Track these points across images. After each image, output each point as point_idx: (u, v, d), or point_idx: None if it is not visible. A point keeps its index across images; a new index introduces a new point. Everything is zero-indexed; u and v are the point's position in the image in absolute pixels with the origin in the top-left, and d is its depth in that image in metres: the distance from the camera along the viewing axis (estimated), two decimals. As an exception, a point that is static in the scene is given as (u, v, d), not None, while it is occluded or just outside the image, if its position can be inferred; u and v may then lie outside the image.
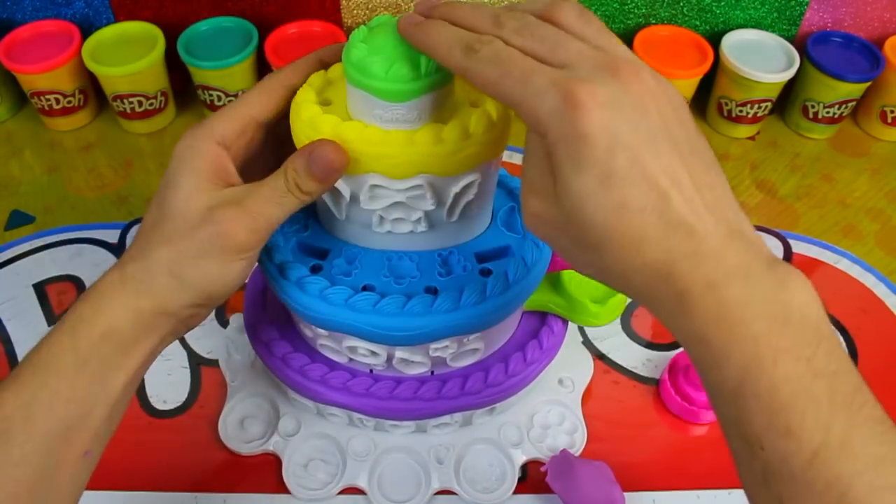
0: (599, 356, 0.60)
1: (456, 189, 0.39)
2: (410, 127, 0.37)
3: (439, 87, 0.36)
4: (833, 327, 0.31)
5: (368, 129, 0.37)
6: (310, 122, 0.37)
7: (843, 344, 0.31)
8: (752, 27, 0.77)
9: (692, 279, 0.30)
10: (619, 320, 0.62)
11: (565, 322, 0.53)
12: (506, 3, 0.42)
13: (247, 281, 0.53)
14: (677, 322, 0.31)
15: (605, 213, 0.30)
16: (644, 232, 0.30)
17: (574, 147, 0.29)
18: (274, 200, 0.37)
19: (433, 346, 0.45)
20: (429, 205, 0.39)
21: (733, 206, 0.31)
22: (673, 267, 0.30)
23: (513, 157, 0.74)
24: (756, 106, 0.75)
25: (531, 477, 0.53)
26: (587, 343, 0.60)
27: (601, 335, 0.61)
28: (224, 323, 0.61)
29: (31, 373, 0.34)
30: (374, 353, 0.46)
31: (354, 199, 0.39)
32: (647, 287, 0.31)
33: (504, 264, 0.43)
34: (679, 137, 0.30)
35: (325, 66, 0.40)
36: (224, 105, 0.74)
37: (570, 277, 0.49)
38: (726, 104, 0.76)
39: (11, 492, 0.33)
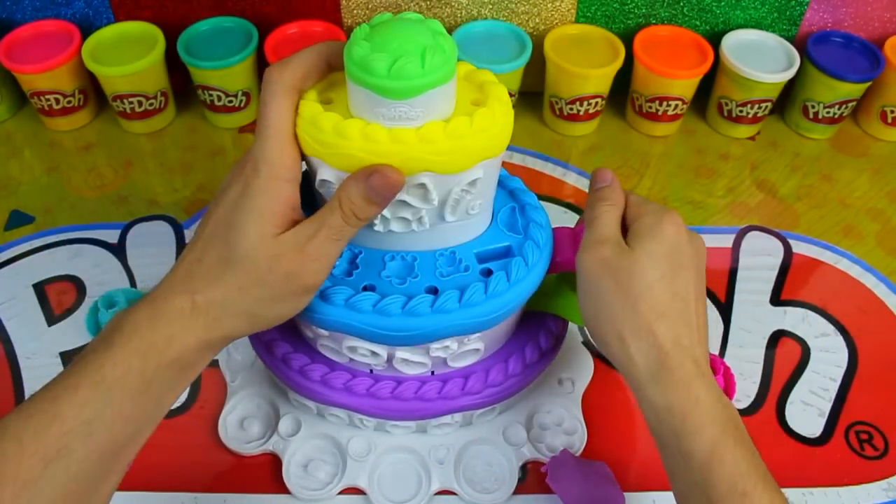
0: (599, 356, 0.60)
1: (458, 187, 0.39)
2: (413, 125, 0.37)
3: (442, 83, 0.36)
4: None
5: (370, 126, 0.37)
6: (311, 120, 0.37)
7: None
8: (752, 27, 0.77)
9: (681, 364, 0.40)
10: (619, 320, 0.62)
11: (565, 322, 0.53)
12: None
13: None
14: (659, 390, 0.40)
15: (657, 278, 0.41)
16: (670, 307, 0.41)
17: (656, 228, 0.42)
18: (333, 238, 0.38)
19: (433, 346, 0.45)
20: (431, 203, 0.39)
21: (702, 342, 0.43)
22: (672, 348, 0.40)
23: (512, 157, 0.75)
24: (756, 106, 0.75)
25: (531, 477, 0.53)
26: (587, 343, 0.60)
27: (601, 335, 0.61)
28: (224, 323, 0.61)
29: (95, 389, 0.35)
30: (374, 354, 0.46)
31: None
32: (643, 352, 0.41)
33: (504, 264, 0.43)
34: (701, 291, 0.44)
35: (332, 69, 0.40)
36: (224, 104, 0.74)
37: (571, 279, 0.49)
38: (726, 104, 0.76)
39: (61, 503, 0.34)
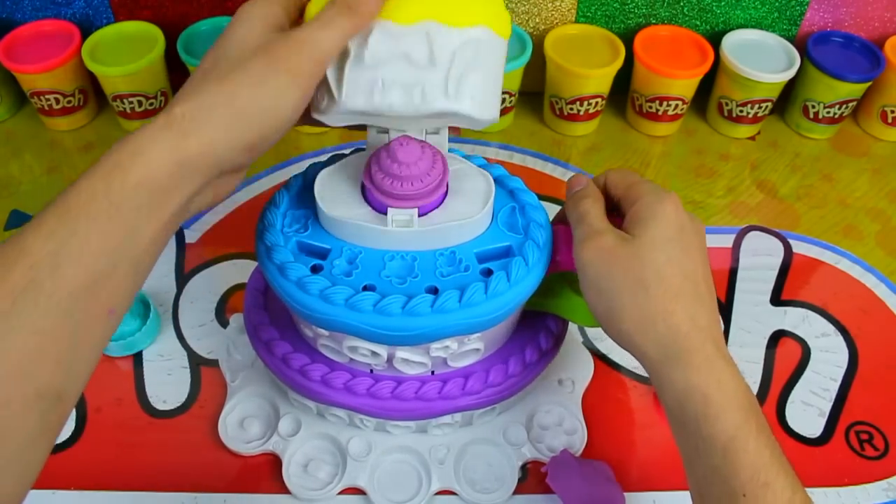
0: (599, 356, 0.60)
1: (454, 47, 0.39)
2: None
3: None
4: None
5: None
6: None
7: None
8: (753, 27, 0.77)
9: (702, 345, 0.39)
10: (619, 320, 0.62)
11: (565, 322, 0.53)
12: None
13: (247, 281, 0.54)
14: (681, 372, 0.39)
15: (665, 260, 0.40)
16: (682, 289, 0.40)
17: (657, 209, 0.41)
18: (323, 27, 0.36)
19: (434, 346, 0.45)
20: (433, 63, 0.39)
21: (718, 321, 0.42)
22: (690, 330, 0.40)
23: (513, 157, 0.75)
24: (756, 106, 0.75)
25: (531, 477, 0.53)
26: (587, 343, 0.60)
27: (601, 335, 0.61)
28: (224, 323, 0.61)
29: (59, 219, 0.32)
30: (374, 354, 0.46)
31: (358, 58, 0.39)
32: (661, 335, 0.40)
33: (505, 264, 0.43)
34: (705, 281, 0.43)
35: None
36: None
37: (571, 278, 0.49)
38: (727, 104, 0.76)
39: (37, 344, 0.31)
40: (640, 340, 0.41)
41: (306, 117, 0.41)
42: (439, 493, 0.52)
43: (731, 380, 0.39)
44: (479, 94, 0.40)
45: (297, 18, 0.39)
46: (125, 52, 0.72)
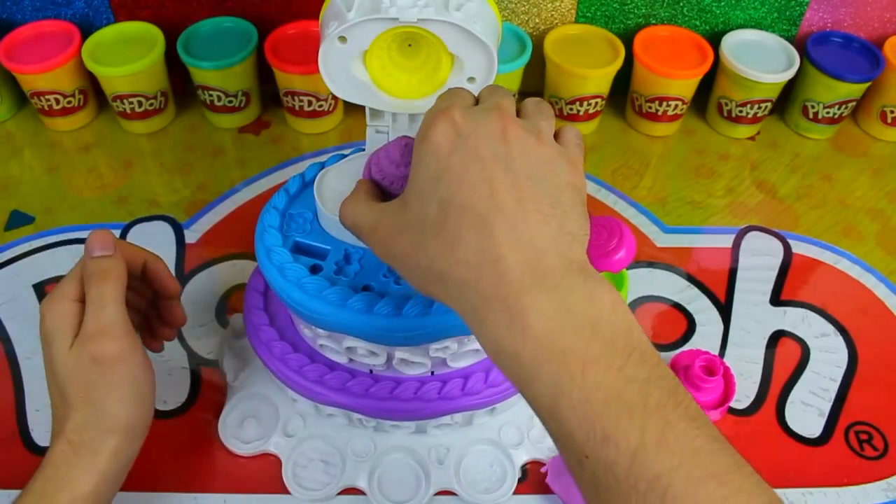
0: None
1: None
2: None
3: None
4: (647, 338, 0.31)
5: None
6: None
7: (660, 354, 0.31)
8: (752, 27, 0.77)
9: (498, 286, 0.31)
10: (619, 320, 0.62)
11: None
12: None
13: (247, 281, 0.54)
14: (485, 332, 0.31)
15: (436, 205, 0.32)
16: (460, 230, 0.32)
17: (420, 146, 0.34)
18: (99, 306, 0.42)
19: (433, 346, 0.45)
20: None
21: (566, 236, 0.32)
22: (482, 270, 0.31)
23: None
24: (756, 106, 0.75)
25: (531, 477, 0.53)
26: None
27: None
28: (224, 323, 0.61)
29: None
30: (373, 354, 0.46)
31: None
32: (458, 291, 0.32)
33: (504, 264, 0.43)
34: (528, 174, 0.32)
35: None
36: (224, 104, 0.75)
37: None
38: (726, 104, 0.76)
39: None
40: (443, 299, 0.34)
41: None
42: (439, 493, 0.52)
43: (542, 317, 0.30)
44: (479, 22, 0.40)
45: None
46: (125, 52, 0.72)
